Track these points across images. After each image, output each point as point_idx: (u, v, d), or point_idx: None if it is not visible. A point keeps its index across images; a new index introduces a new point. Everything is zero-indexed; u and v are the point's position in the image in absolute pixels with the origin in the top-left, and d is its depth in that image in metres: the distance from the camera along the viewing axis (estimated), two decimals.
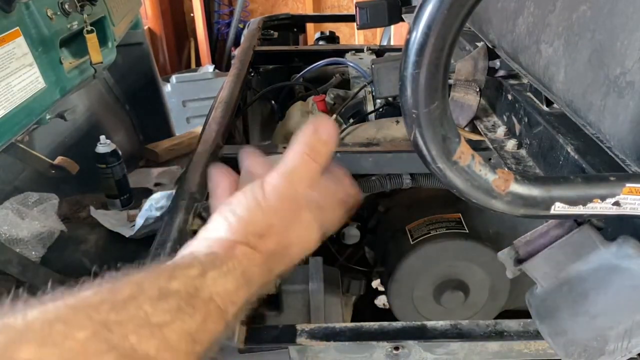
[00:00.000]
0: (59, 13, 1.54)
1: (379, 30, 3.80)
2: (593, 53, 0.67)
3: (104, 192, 2.37)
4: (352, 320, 1.23)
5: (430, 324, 0.66)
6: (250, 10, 4.82)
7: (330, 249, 1.30)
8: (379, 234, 1.30)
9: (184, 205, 0.85)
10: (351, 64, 1.58)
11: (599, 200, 0.52)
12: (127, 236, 2.12)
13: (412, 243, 1.13)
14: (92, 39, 1.64)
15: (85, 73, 1.74)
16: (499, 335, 0.65)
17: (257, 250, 0.52)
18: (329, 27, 2.45)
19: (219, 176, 0.60)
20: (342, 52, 1.72)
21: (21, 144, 2.09)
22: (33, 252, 1.89)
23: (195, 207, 0.85)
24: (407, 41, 0.47)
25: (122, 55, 2.19)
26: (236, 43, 4.60)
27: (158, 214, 2.02)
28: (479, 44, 1.13)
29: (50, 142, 2.34)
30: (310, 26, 3.60)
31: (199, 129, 1.94)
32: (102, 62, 1.71)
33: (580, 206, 0.53)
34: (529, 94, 1.00)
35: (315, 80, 1.62)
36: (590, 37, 0.68)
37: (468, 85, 1.09)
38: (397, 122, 1.21)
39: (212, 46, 4.77)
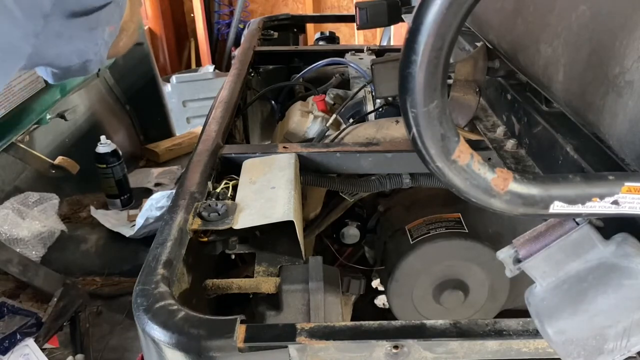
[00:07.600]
0: None
1: (379, 30, 3.80)
2: (592, 53, 0.67)
3: (104, 192, 2.38)
4: (352, 320, 1.23)
5: (429, 323, 0.66)
6: (250, 10, 4.82)
7: (330, 249, 1.30)
8: (379, 234, 1.30)
9: (184, 205, 0.85)
10: (351, 64, 1.58)
11: (598, 199, 0.53)
12: (127, 236, 2.12)
13: (411, 243, 1.13)
14: None
15: None
16: (498, 334, 0.65)
17: None
18: (329, 27, 2.45)
19: None
20: (342, 52, 1.72)
21: (22, 144, 2.09)
22: (33, 252, 1.89)
23: (195, 207, 0.85)
24: (407, 41, 0.47)
25: (122, 56, 2.18)
26: (236, 43, 4.60)
27: (158, 213, 2.02)
28: (479, 44, 1.13)
29: (50, 142, 2.34)
30: (310, 26, 3.60)
31: (199, 129, 1.94)
32: None
33: (579, 205, 0.53)
34: (528, 93, 1.00)
35: (315, 80, 1.62)
36: (589, 36, 0.68)
37: (467, 85, 1.09)
38: (397, 122, 1.21)
39: (212, 46, 4.76)
